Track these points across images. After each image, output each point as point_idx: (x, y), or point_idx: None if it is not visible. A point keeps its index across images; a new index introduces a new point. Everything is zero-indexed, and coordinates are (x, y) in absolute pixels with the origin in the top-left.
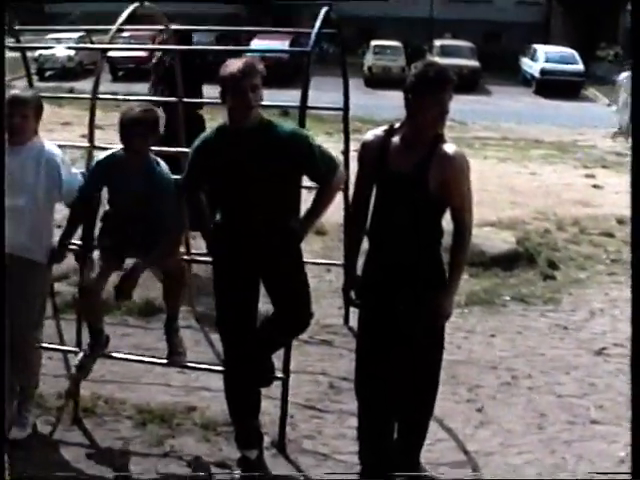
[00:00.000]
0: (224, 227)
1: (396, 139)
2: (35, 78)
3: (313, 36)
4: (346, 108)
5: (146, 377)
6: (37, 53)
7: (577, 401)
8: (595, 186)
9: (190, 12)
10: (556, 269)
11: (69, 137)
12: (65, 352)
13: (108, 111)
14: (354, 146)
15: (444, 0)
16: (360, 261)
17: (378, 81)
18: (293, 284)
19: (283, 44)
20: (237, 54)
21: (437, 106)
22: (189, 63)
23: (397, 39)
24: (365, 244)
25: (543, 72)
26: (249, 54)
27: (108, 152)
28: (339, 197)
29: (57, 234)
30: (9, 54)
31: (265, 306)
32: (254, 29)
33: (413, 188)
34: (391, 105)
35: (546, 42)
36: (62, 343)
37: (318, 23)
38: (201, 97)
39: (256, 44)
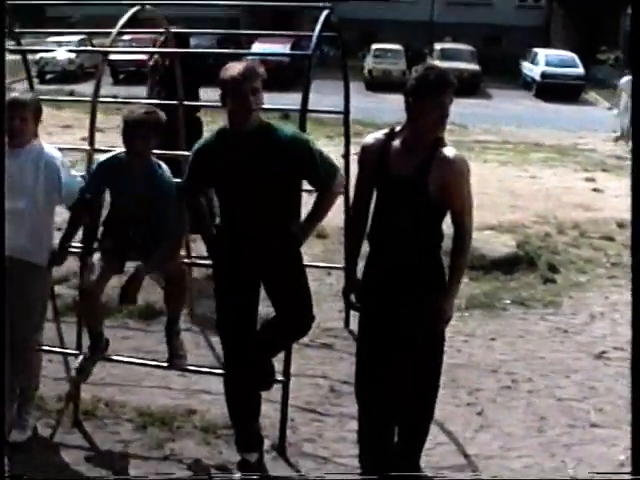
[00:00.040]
0: (225, 230)
1: (396, 142)
2: (36, 81)
3: (314, 39)
4: (347, 111)
5: (146, 380)
6: (38, 56)
7: (577, 404)
8: (595, 190)
9: (190, 15)
10: (556, 272)
11: (69, 140)
12: (65, 355)
13: (109, 114)
14: (355, 149)
15: (444, 3)
16: (360, 264)
17: (378, 84)
18: (294, 287)
19: (284, 47)
20: (238, 57)
21: (437, 109)
22: (186, 66)
23: (398, 42)
24: (365, 247)
25: (543, 75)
26: (250, 57)
27: (110, 154)
28: (340, 200)
29: (57, 237)
30: (10, 57)
31: (265, 309)
32: (255, 32)
33: (413, 191)
34: (391, 108)
35: (546, 46)
36: (62, 346)
37: (319, 26)
38: (198, 100)
39: (257, 47)
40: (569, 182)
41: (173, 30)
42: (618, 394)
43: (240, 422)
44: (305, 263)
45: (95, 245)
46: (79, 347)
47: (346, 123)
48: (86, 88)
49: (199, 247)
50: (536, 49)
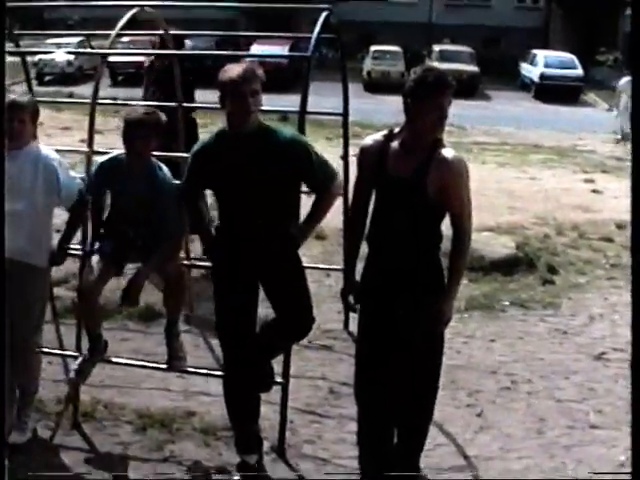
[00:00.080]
0: (224, 231)
1: (395, 144)
2: (34, 83)
3: (313, 41)
4: (346, 113)
5: (146, 382)
6: (36, 58)
7: (577, 406)
8: (594, 191)
9: (188, 17)
10: (555, 274)
11: (69, 142)
12: (65, 357)
13: (108, 116)
14: (353, 151)
15: (443, 5)
16: (359, 266)
17: (377, 86)
18: (293, 289)
19: (282, 49)
20: (236, 59)
21: (436, 111)
22: (182, 67)
23: (396, 44)
24: (364, 249)
25: (542, 77)
26: (248, 59)
27: (110, 155)
28: (339, 202)
29: (56, 238)
30: (9, 59)
31: (264, 311)
32: (253, 34)
33: (412, 193)
34: (390, 110)
35: (545, 47)
36: (62, 348)
37: (318, 28)
38: (193, 101)
39: (255, 49)
40: (568, 183)
41: (172, 32)
42: (618, 395)
43: (239, 424)
44: (304, 265)
45: (95, 247)
46: (78, 349)
47: (345, 125)
48: (85, 90)
49: (197, 248)
50: (535, 50)
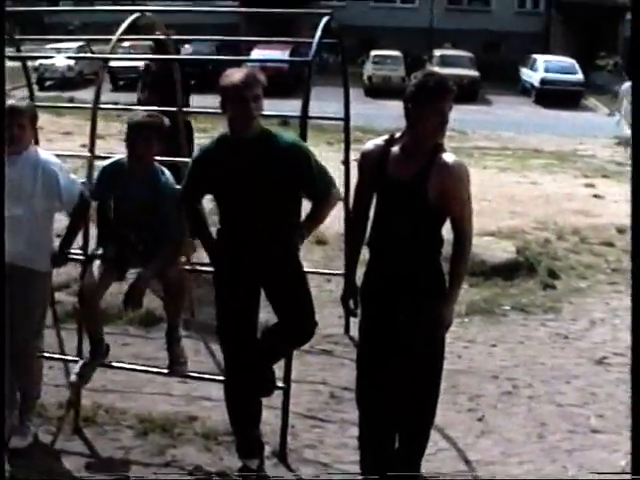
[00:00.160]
0: (225, 236)
1: (396, 148)
2: (35, 88)
3: (314, 46)
4: (347, 118)
5: (147, 386)
6: (37, 63)
7: (578, 410)
8: (595, 195)
9: (190, 22)
10: (556, 278)
11: (70, 147)
12: (66, 361)
13: (109, 121)
14: (354, 156)
15: (444, 10)
16: (360, 271)
17: (378, 91)
18: (295, 294)
19: (283, 54)
20: (237, 64)
21: (437, 116)
22: (181, 71)
23: (397, 49)
24: (365, 253)
25: (543, 82)
26: (249, 64)
27: (113, 159)
28: (339, 207)
29: (57, 243)
30: (10, 64)
31: (265, 315)
32: (254, 39)
33: (413, 197)
34: (391, 115)
35: (545, 52)
36: (63, 352)
37: (319, 33)
38: (188, 105)
39: (256, 54)
40: (569, 188)
41: (174, 37)
42: (619, 400)
43: (241, 428)
44: (305, 269)
45: (99, 252)
46: (79, 354)
47: (346, 129)
48: (86, 95)
49: (199, 253)
50: (535, 55)
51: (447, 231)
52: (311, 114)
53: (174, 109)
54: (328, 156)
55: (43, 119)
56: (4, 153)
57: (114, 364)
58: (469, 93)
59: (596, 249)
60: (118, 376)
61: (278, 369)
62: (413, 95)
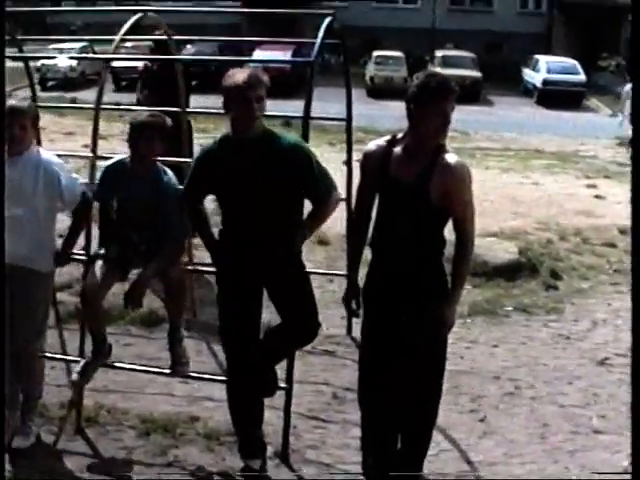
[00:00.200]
0: (227, 236)
1: (398, 149)
2: (37, 88)
3: (316, 46)
4: (349, 119)
5: (149, 387)
6: (39, 63)
7: (580, 411)
8: (597, 196)
9: (192, 22)
10: (558, 279)
11: (72, 147)
12: (68, 362)
13: (111, 121)
14: (357, 156)
15: (446, 10)
16: (363, 271)
17: (380, 91)
18: (298, 294)
19: (285, 55)
20: (240, 64)
21: (439, 116)
22: (173, 70)
23: (399, 49)
24: (367, 254)
25: (545, 82)
26: (252, 65)
27: (115, 159)
28: (341, 207)
29: (59, 244)
30: (12, 64)
31: (268, 316)
32: (257, 39)
33: (415, 198)
34: (393, 115)
35: (548, 52)
36: (65, 353)
37: (321, 33)
38: (188, 104)
39: (258, 54)
40: (571, 189)
41: (176, 37)
42: (621, 400)
43: (243, 429)
44: (307, 270)
45: (101, 252)
46: (82, 354)
47: (348, 130)
48: (88, 95)
49: (201, 253)
50: (537, 56)
51: (449, 232)
52: (313, 114)
53: (177, 109)
54: (330, 157)
55: (45, 119)
56: (4, 153)
57: (116, 364)
58: (471, 94)
59: (598, 250)
60: (120, 376)
61: (280, 369)
62: (415, 96)
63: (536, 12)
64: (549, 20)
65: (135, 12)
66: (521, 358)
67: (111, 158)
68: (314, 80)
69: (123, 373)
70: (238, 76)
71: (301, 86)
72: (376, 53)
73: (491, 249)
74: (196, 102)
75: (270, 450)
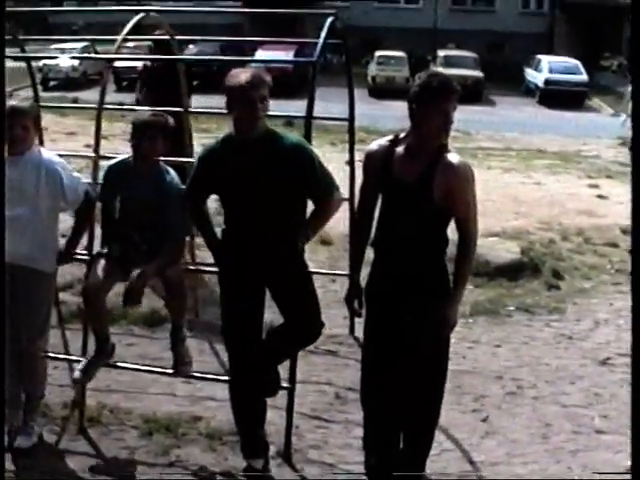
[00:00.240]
0: (230, 236)
1: (400, 149)
2: (39, 88)
3: (319, 46)
4: (351, 118)
5: (152, 387)
6: (41, 63)
7: (582, 411)
8: (599, 196)
9: (194, 22)
10: (561, 279)
11: (74, 147)
12: (71, 362)
13: (113, 121)
14: (359, 156)
15: (448, 10)
16: (365, 271)
17: (382, 91)
18: (301, 294)
19: (287, 55)
20: (242, 64)
21: (441, 116)
22: (174, 70)
23: (401, 49)
24: (370, 254)
25: (547, 82)
26: (254, 65)
27: (118, 158)
28: (344, 207)
29: (61, 245)
30: (14, 64)
31: (270, 316)
32: (259, 39)
33: (418, 197)
34: (395, 115)
35: (550, 52)
36: (67, 353)
37: (324, 33)
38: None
39: (260, 54)
40: (573, 188)
41: (178, 37)
42: (623, 400)
43: (245, 428)
44: (310, 270)
45: (104, 251)
46: (84, 354)
47: (351, 130)
48: (90, 95)
49: (204, 253)
50: (539, 56)
51: (452, 231)
52: (315, 114)
53: (179, 109)
54: (332, 157)
55: (47, 119)
56: (4, 153)
57: (119, 364)
58: (473, 93)
59: (600, 250)
60: (123, 376)
61: (283, 369)
62: (417, 95)
63: (538, 12)
64: (551, 20)
65: (137, 12)
66: (523, 358)
67: (114, 158)
68: (316, 80)
69: (126, 373)
70: (241, 76)
71: (303, 86)
72: (378, 53)
73: (493, 249)
74: (198, 102)
75: (272, 450)
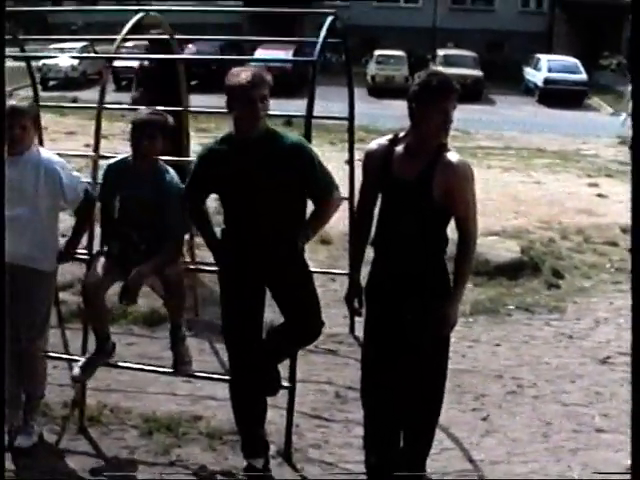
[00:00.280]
0: (230, 235)
1: (400, 148)
2: (38, 88)
3: (319, 45)
4: (351, 118)
5: (152, 386)
6: (40, 63)
7: (582, 410)
8: (599, 195)
9: (193, 22)
10: (560, 278)
11: (73, 146)
12: (71, 361)
13: (113, 121)
14: (358, 155)
15: (447, 9)
16: (365, 270)
17: (381, 90)
18: (301, 293)
19: (287, 54)
20: (241, 64)
21: (440, 115)
22: (170, 69)
23: (400, 48)
24: (370, 253)
25: (546, 81)
26: (254, 64)
27: (118, 157)
28: (344, 207)
29: (61, 245)
30: (14, 64)
31: (270, 315)
32: (259, 39)
33: (417, 196)
34: (395, 114)
35: (549, 51)
36: (68, 352)
37: (323, 32)
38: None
39: (260, 54)
40: (572, 187)
41: (178, 37)
42: (623, 399)
43: (246, 428)
44: (309, 269)
45: (104, 249)
46: (84, 354)
47: (350, 129)
48: (89, 95)
49: (204, 253)
50: (539, 55)
51: (452, 231)
52: (315, 114)
53: (179, 108)
54: (332, 156)
55: (46, 119)
56: (4, 153)
57: (119, 363)
58: (473, 93)
59: (600, 248)
60: (123, 375)
61: (283, 368)
62: (417, 94)
63: (537, 11)
64: (550, 19)
65: (136, 12)
66: (523, 357)
67: (113, 157)
68: (316, 79)
69: (126, 372)
70: (242, 75)
71: (303, 85)
72: (377, 52)
73: (493, 248)
74: (197, 101)
75: (273, 449)
